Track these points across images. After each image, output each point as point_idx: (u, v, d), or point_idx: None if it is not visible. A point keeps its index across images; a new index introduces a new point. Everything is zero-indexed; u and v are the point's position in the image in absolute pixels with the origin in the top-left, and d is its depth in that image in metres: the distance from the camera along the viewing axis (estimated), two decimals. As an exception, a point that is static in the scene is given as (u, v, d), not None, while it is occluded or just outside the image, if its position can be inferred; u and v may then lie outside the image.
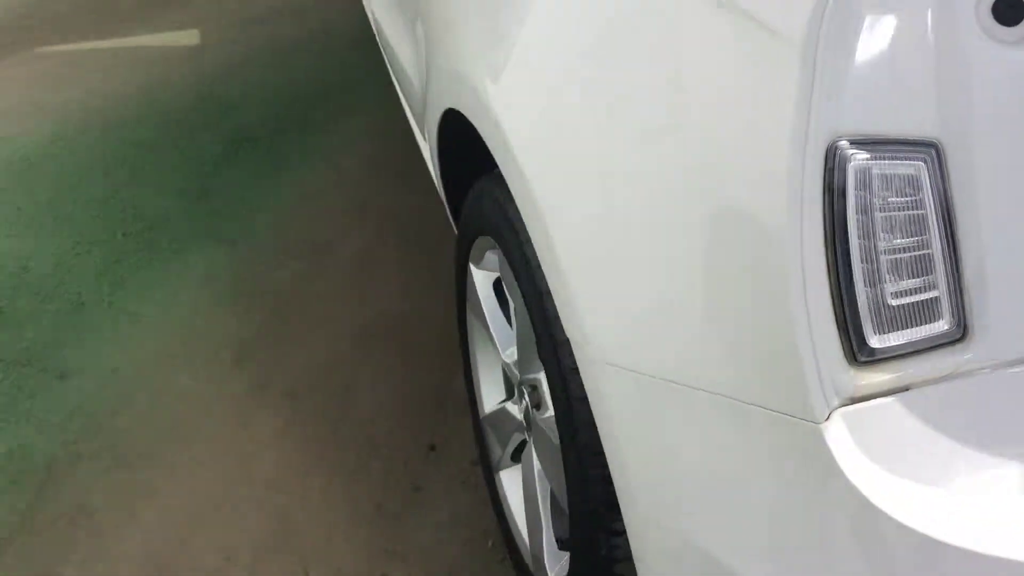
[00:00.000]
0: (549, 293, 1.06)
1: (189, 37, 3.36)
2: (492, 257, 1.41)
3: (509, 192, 1.18)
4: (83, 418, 1.87)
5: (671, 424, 0.82)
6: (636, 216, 0.81)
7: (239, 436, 1.82)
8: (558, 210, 0.92)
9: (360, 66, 3.13)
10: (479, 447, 1.68)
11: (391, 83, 2.98)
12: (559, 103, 0.94)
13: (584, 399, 1.02)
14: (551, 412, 1.27)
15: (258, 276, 2.22)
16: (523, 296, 1.14)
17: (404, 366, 1.97)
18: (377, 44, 2.93)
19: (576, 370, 1.03)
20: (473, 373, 1.62)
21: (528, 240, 1.11)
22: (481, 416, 1.61)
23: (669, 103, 0.77)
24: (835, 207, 0.69)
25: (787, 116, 0.68)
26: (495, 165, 1.39)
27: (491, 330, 1.43)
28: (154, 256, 2.30)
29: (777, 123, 0.68)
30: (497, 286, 1.46)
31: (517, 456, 1.56)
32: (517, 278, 1.15)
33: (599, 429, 0.92)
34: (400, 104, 2.84)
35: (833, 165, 0.68)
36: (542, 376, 1.28)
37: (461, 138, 1.45)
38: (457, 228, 1.64)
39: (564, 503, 1.17)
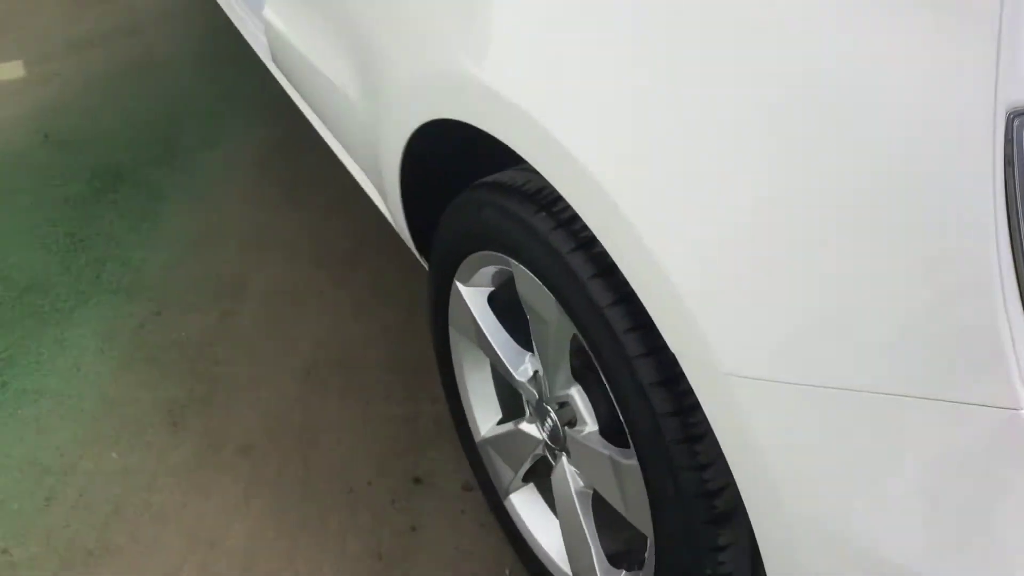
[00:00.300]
0: (616, 304, 0.98)
1: (11, 70, 2.98)
2: (486, 273, 1.32)
3: (536, 199, 1.09)
4: (6, 522, 1.61)
5: (835, 432, 0.77)
6: (780, 206, 0.75)
7: (198, 508, 1.63)
8: (654, 210, 0.84)
9: (218, 85, 2.89)
10: (476, 473, 1.58)
11: (259, 100, 2.78)
12: (631, 77, 0.85)
13: (673, 414, 0.96)
14: (591, 428, 1.20)
15: (168, 328, 1.99)
16: (570, 312, 1.05)
17: (362, 399, 1.83)
18: (240, 62, 2.71)
19: (660, 384, 0.97)
20: (462, 396, 1.51)
21: (575, 249, 1.02)
22: (477, 440, 1.51)
23: (816, 74, 0.71)
24: (1018, 180, 0.65)
25: (973, 91, 0.64)
26: (480, 175, 1.30)
27: (495, 349, 1.33)
28: (40, 323, 2.02)
29: (962, 98, 0.64)
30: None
31: (527, 477, 1.48)
32: (558, 292, 1.07)
33: (724, 444, 0.85)
34: (281, 121, 2.65)
35: (1011, 137, 0.65)
36: (575, 392, 1.21)
37: (436, 154, 1.34)
38: (429, 249, 1.52)
39: (639, 523, 1.10)
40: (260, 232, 2.27)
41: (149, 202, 2.37)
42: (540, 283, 1.11)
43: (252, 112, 2.72)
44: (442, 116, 1.15)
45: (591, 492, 1.29)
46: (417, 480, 1.68)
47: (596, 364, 1.04)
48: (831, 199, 0.73)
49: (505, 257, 1.19)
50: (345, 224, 2.27)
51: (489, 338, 1.34)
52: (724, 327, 0.80)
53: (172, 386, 1.84)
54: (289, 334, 1.98)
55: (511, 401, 1.51)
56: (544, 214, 1.08)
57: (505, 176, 1.19)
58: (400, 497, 1.65)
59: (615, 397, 1.03)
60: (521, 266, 1.14)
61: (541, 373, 1.28)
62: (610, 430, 1.21)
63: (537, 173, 1.15)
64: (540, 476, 1.46)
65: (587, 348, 1.05)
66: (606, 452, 1.13)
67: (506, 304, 1.38)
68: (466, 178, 1.40)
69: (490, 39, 1.02)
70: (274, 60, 1.95)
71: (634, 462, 1.05)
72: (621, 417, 1.03)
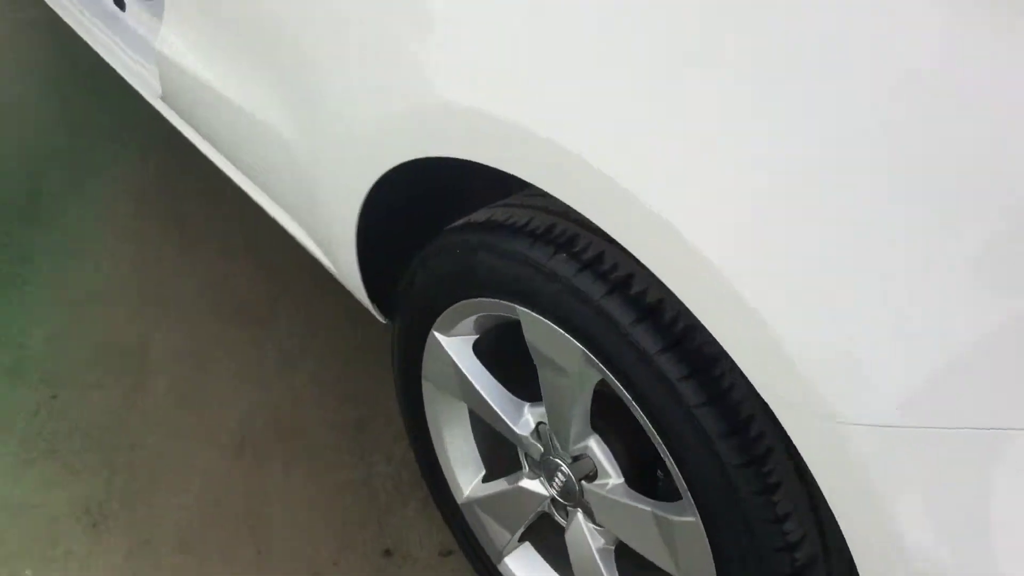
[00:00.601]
0: (666, 350, 0.89)
1: None
2: (470, 320, 1.19)
3: (549, 239, 0.98)
4: (-101, 676, 1.33)
5: (967, 476, 0.70)
6: (897, 228, 0.67)
7: (140, 621, 1.40)
8: (741, 244, 0.74)
9: (75, 120, 2.58)
10: (455, 535, 1.44)
11: (126, 134, 2.50)
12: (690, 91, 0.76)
13: (746, 465, 0.87)
14: (616, 480, 1.10)
15: (69, 412, 1.73)
16: (606, 361, 0.94)
17: (308, 467, 1.65)
18: (97, 92, 2.40)
19: (730, 434, 0.87)
20: (440, 455, 1.37)
21: (610, 293, 0.92)
22: (460, 501, 1.37)
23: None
24: None
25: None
26: (453, 218, 1.17)
27: (488, 402, 1.20)
28: (-100, 422, 1.71)
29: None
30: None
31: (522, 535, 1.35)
32: (588, 341, 0.95)
33: (832, 495, 0.77)
34: (157, 155, 2.39)
35: None
36: (593, 443, 1.10)
37: (403, 197, 1.20)
38: (383, 299, 1.37)
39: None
40: (154, 287, 2.02)
41: (17, 265, 2.08)
42: (561, 331, 0.99)
43: (121, 148, 2.45)
44: (428, 154, 1.01)
45: (613, 548, 1.18)
46: (387, 552, 1.52)
47: (643, 417, 0.94)
48: (965, 217, 0.66)
49: (508, 304, 1.06)
50: (254, 270, 2.06)
51: (480, 390, 1.21)
52: (837, 373, 0.71)
53: (85, 481, 1.60)
54: (210, 403, 1.76)
55: (491, 455, 1.38)
56: (564, 255, 0.96)
57: (499, 214, 1.07)
58: (372, 575, 1.48)
59: (669, 451, 0.93)
60: (533, 313, 1.02)
61: (547, 425, 1.16)
62: (636, 481, 1.11)
63: (537, 209, 1.05)
64: (535, 532, 1.34)
65: (630, 400, 0.95)
66: (647, 508, 1.03)
67: (489, 351, 1.26)
68: (430, 221, 1.27)
69: (503, 67, 0.90)
70: (167, 98, 1.74)
71: (691, 518, 0.95)
72: (678, 472, 0.93)
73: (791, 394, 0.74)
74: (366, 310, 1.47)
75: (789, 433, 0.77)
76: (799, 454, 0.88)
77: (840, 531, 0.91)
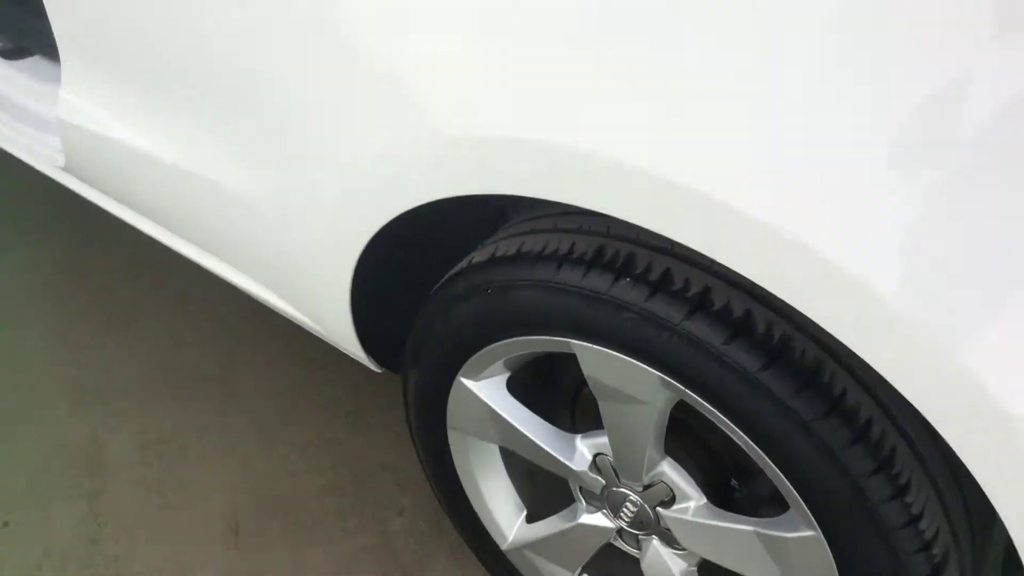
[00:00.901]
0: (768, 367, 0.82)
1: None
2: (500, 363, 1.09)
3: (603, 264, 0.89)
4: None
5: None
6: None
7: None
8: (866, 250, 0.68)
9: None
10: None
11: (16, 225, 2.25)
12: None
13: (876, 472, 0.81)
14: (699, 501, 1.03)
15: (28, 538, 1.52)
16: (696, 388, 0.87)
17: (315, 539, 1.51)
18: None
19: (854, 443, 0.81)
20: (476, 504, 1.27)
21: (691, 314, 0.84)
22: (505, 547, 1.28)
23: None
24: None
25: None
26: (452, 260, 1.07)
27: (535, 442, 1.10)
28: None
29: None
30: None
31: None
32: (671, 368, 0.87)
33: (996, 494, 0.72)
34: (53, 231, 2.14)
35: None
36: (666, 467, 1.03)
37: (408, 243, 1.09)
38: (391, 351, 1.25)
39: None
40: (95, 377, 1.82)
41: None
42: (633, 362, 0.91)
43: (16, 232, 2.20)
44: (468, 192, 0.90)
45: (696, 570, 1.12)
46: (428, 612, 1.41)
47: (744, 437, 0.87)
48: None
49: (559, 340, 0.97)
50: (202, 338, 1.88)
51: (524, 431, 1.11)
52: (1013, 369, 0.66)
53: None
54: (190, 492, 1.59)
55: (529, 493, 1.30)
56: (627, 280, 0.88)
57: (532, 244, 0.97)
58: (419, 640, 1.38)
59: (779, 467, 0.86)
60: (595, 347, 0.94)
61: (606, 456, 1.08)
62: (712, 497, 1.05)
63: (573, 232, 0.96)
64: (592, 562, 1.27)
65: (726, 422, 0.87)
66: (747, 527, 0.96)
67: (518, 387, 1.16)
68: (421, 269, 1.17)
69: (578, 96, 0.80)
70: (73, 169, 1.55)
71: (809, 532, 0.89)
72: (790, 488, 0.87)
73: (955, 399, 0.68)
74: (335, 361, 1.35)
75: (948, 439, 0.71)
76: (920, 447, 0.84)
77: (962, 516, 0.88)
